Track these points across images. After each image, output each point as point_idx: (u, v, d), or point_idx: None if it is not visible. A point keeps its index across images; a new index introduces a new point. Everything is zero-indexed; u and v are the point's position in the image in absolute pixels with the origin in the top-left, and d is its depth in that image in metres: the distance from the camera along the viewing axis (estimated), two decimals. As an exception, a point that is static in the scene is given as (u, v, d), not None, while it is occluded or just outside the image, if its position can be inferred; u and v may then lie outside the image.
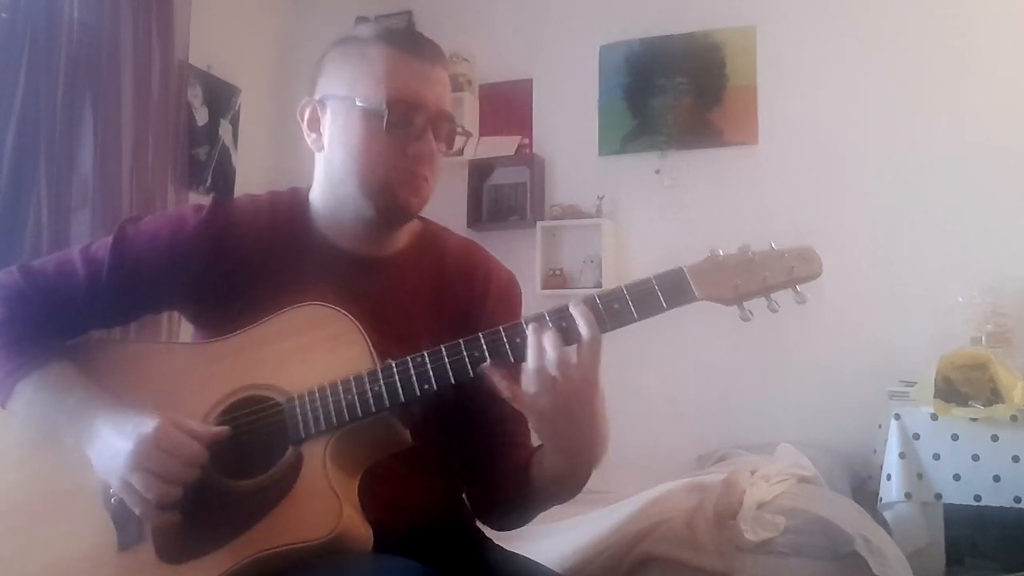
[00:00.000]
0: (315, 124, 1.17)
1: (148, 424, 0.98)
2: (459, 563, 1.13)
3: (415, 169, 1.12)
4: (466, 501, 1.24)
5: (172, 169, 3.13)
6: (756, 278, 0.99)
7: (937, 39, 3.16)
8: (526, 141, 3.71)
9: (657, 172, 3.48)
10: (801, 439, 2.74)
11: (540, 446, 1.11)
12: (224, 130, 3.53)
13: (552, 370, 0.94)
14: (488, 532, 1.26)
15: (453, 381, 0.98)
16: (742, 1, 3.44)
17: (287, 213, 1.19)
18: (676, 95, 3.49)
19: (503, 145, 3.72)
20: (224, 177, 3.53)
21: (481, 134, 3.78)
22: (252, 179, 3.54)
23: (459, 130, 1.16)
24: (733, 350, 3.26)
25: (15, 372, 1.07)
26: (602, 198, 3.50)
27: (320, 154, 1.17)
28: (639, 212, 3.50)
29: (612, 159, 3.58)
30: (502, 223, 3.64)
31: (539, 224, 3.54)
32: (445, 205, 3.75)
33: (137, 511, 0.99)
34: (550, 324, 0.96)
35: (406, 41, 1.13)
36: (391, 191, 1.12)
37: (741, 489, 1.81)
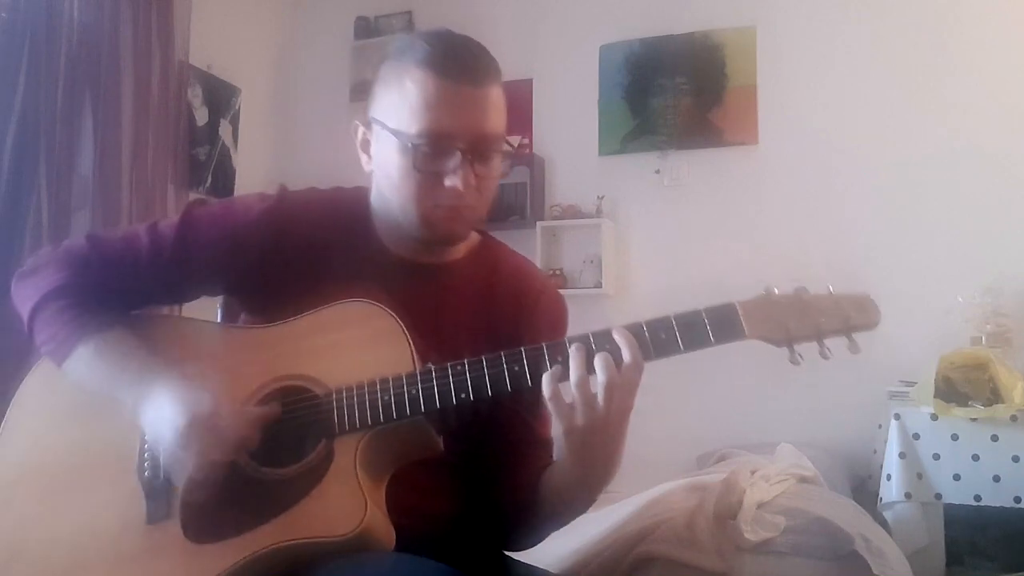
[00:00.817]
0: (366, 146, 1.16)
1: (205, 403, 1.00)
2: (481, 573, 1.12)
3: (452, 203, 1.09)
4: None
5: (172, 169, 3.13)
6: (810, 322, 0.99)
7: (937, 39, 3.16)
8: (526, 141, 3.71)
9: (657, 172, 3.48)
10: (801, 439, 2.74)
11: (555, 463, 1.11)
12: (224, 130, 3.53)
13: (596, 387, 0.95)
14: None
15: (490, 394, 0.98)
16: (742, 1, 3.44)
17: (348, 212, 1.19)
18: (676, 95, 3.49)
19: (503, 145, 3.71)
20: (224, 177, 3.53)
21: (481, 134, 3.78)
22: (252, 179, 3.55)
23: (507, 148, 1.12)
24: (733, 350, 3.25)
25: (77, 332, 1.09)
26: (602, 198, 3.50)
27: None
28: (639, 212, 3.50)
29: (612, 159, 3.58)
30: (502, 223, 3.63)
31: (539, 224, 3.54)
32: (445, 205, 3.76)
33: (177, 484, 1.00)
34: (594, 347, 0.97)
35: (450, 64, 1.07)
36: (431, 223, 1.11)
37: (741, 489, 1.81)
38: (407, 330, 1.03)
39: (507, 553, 1.23)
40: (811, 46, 3.33)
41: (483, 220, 1.18)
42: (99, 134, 2.82)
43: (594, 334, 0.98)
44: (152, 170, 3.01)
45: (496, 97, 1.10)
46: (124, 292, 1.15)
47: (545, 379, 0.97)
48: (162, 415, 1.02)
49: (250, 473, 1.01)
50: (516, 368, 0.98)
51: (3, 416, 1.14)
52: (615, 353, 0.96)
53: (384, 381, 1.00)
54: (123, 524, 1.03)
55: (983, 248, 3.01)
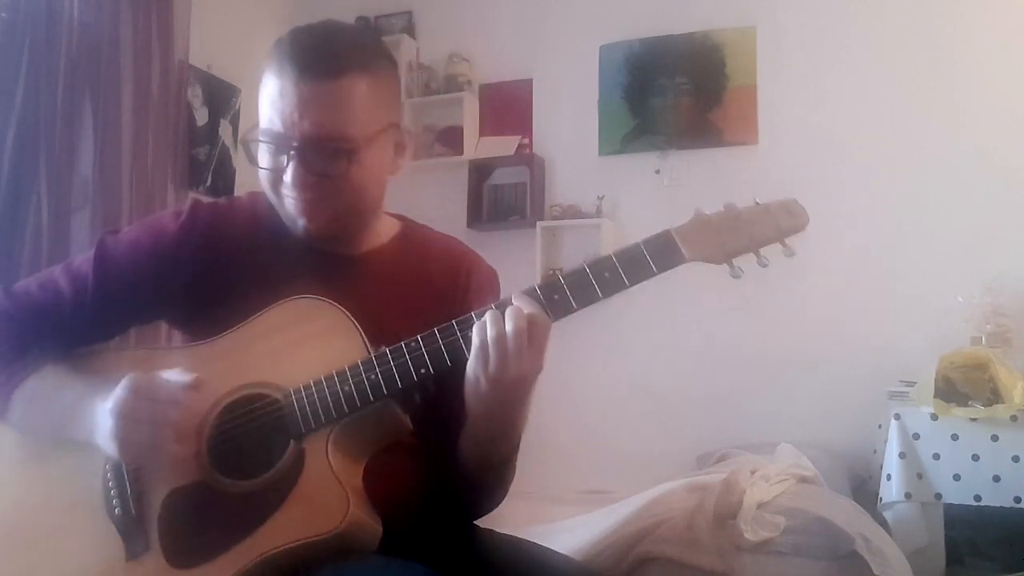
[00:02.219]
0: None
1: (131, 379, 0.99)
2: (460, 556, 1.13)
3: (295, 195, 1.10)
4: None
5: (172, 169, 3.13)
6: (743, 235, 0.99)
7: (937, 39, 3.16)
8: (526, 141, 3.71)
9: (657, 172, 3.48)
10: (801, 439, 2.74)
11: (468, 420, 1.10)
12: (224, 130, 3.53)
13: (506, 342, 0.95)
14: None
15: (449, 363, 0.99)
16: (742, 1, 3.44)
17: (266, 214, 1.18)
18: (676, 95, 3.49)
19: (503, 145, 3.72)
20: (224, 177, 3.53)
21: (481, 134, 3.78)
22: (252, 179, 3.50)
23: (345, 146, 1.07)
24: (733, 350, 3.26)
25: (8, 383, 1.08)
26: (602, 198, 3.50)
27: None
28: (639, 212, 3.50)
29: (612, 159, 3.58)
30: (502, 223, 3.64)
31: (539, 224, 3.54)
32: (445, 205, 3.78)
33: (140, 461, 1.00)
34: (541, 297, 0.99)
35: (294, 60, 1.06)
36: (291, 219, 1.12)
37: (741, 489, 1.81)
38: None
39: (507, 534, 1.23)
40: (811, 46, 3.33)
41: (368, 211, 1.17)
42: (99, 134, 2.81)
43: (539, 286, 1.00)
44: (152, 170, 3.00)
45: (347, 90, 1.06)
46: (52, 340, 1.13)
47: (476, 328, 0.97)
48: (106, 425, 1.00)
49: (224, 489, 1.00)
50: (470, 334, 0.98)
51: None
52: (561, 301, 0.98)
53: (342, 372, 1.00)
54: (104, 567, 1.01)
55: (983, 248, 3.01)
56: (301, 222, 1.11)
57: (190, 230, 1.16)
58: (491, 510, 1.22)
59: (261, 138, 1.08)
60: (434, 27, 3.91)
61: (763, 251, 1.00)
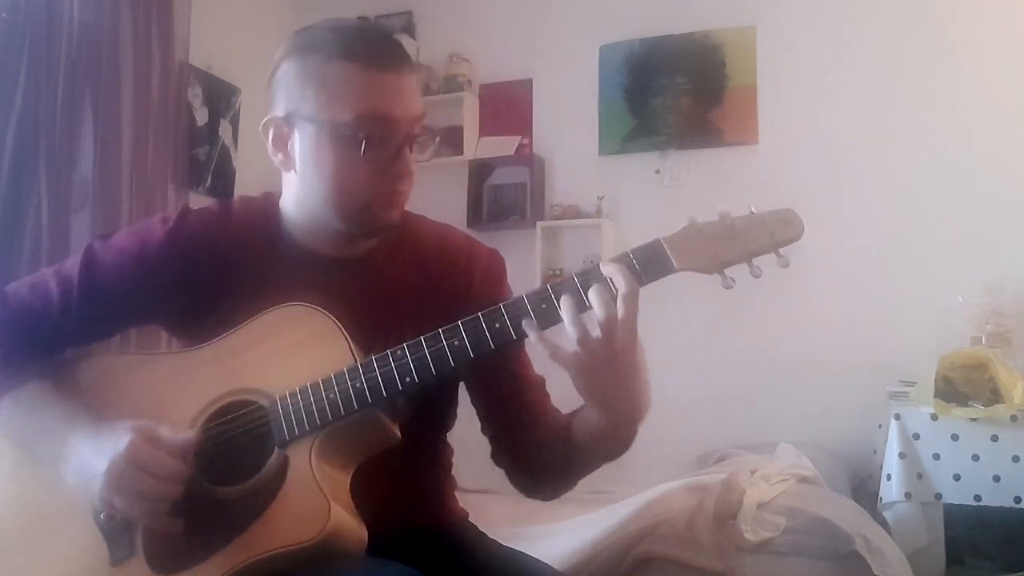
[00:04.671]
0: (281, 143, 1.12)
1: (122, 442, 0.96)
2: (450, 561, 1.13)
3: (394, 187, 1.09)
4: (510, 480, 1.21)
5: (172, 169, 3.13)
6: (737, 245, 0.97)
7: (937, 39, 3.16)
8: (526, 141, 3.71)
9: (657, 172, 3.48)
10: (801, 439, 2.74)
11: (581, 407, 1.07)
12: (224, 130, 3.53)
13: (595, 329, 0.92)
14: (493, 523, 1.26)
15: (434, 372, 0.97)
16: (742, 1, 3.44)
17: (260, 218, 1.17)
18: (676, 95, 3.49)
19: (503, 145, 3.72)
20: (224, 177, 3.53)
21: (481, 134, 3.78)
22: (252, 179, 3.54)
23: (429, 134, 1.13)
24: (733, 350, 3.26)
25: None
26: (602, 198, 3.50)
27: (289, 173, 1.14)
28: (639, 212, 3.50)
29: (612, 159, 3.58)
30: (502, 223, 3.64)
31: (539, 224, 3.54)
32: (445, 205, 3.78)
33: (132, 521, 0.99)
34: (579, 286, 0.94)
35: (367, 52, 1.06)
36: (371, 212, 1.10)
37: (741, 489, 1.81)
38: (346, 326, 1.01)
39: (498, 542, 1.23)
40: (811, 46, 3.33)
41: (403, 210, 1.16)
42: (99, 134, 2.81)
43: (577, 274, 0.96)
44: (152, 170, 3.00)
45: (414, 83, 1.11)
46: (40, 343, 1.13)
47: (532, 335, 0.94)
48: (84, 464, 0.99)
49: (207, 495, 1.00)
50: (456, 342, 0.96)
51: None
52: (605, 289, 0.93)
53: (327, 380, 0.99)
54: (88, 572, 1.01)
55: (983, 248, 3.01)
56: (385, 215, 1.11)
57: (178, 235, 1.14)
58: (567, 491, 1.19)
59: (363, 126, 1.04)
60: (434, 27, 3.91)
61: (756, 261, 0.97)
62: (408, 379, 0.97)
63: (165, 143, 3.07)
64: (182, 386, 1.06)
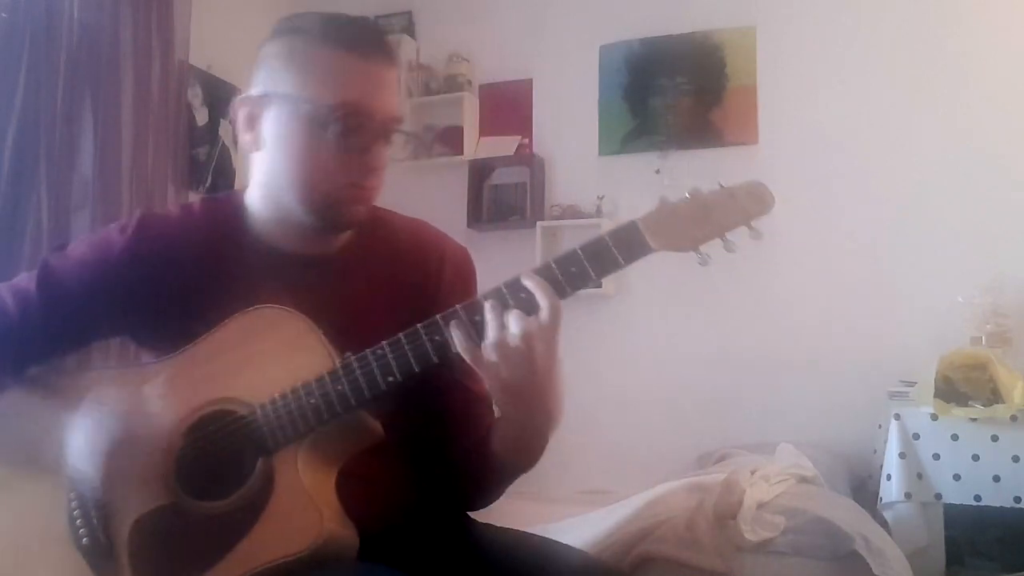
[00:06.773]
0: (252, 122, 1.09)
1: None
2: (441, 558, 1.11)
3: (363, 182, 1.07)
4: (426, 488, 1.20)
5: (172, 169, 3.13)
6: (711, 221, 0.98)
7: (937, 39, 3.16)
8: (526, 141, 3.71)
9: (657, 172, 3.47)
10: (801, 439, 2.74)
11: (499, 418, 1.09)
12: (224, 130, 3.53)
13: (514, 342, 0.93)
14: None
15: (416, 369, 0.96)
16: (742, 1, 3.43)
17: (224, 219, 1.14)
18: (676, 95, 3.49)
19: (503, 145, 3.72)
20: (224, 177, 3.53)
21: (481, 134, 3.78)
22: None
23: (406, 133, 1.10)
24: (733, 350, 3.25)
25: None
26: (602, 198, 3.49)
27: (257, 155, 1.11)
28: (639, 212, 3.46)
29: (612, 159, 3.57)
30: (502, 223, 3.64)
31: (539, 224, 3.53)
32: (445, 205, 3.78)
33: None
34: (509, 299, 0.96)
35: (356, 41, 1.05)
36: (336, 205, 1.07)
37: (741, 489, 1.81)
38: (318, 327, 0.99)
39: (493, 525, 1.22)
40: (811, 46, 3.33)
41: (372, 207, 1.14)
42: (99, 134, 2.81)
43: (506, 284, 0.97)
44: (152, 170, 3.00)
45: (396, 79, 1.09)
46: (5, 356, 1.10)
47: (460, 345, 0.95)
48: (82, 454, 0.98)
49: (193, 511, 0.97)
50: (437, 338, 0.96)
51: None
52: (531, 299, 0.95)
53: (307, 385, 0.97)
54: None
55: (983, 248, 3.01)
56: (351, 209, 1.08)
57: (137, 243, 1.11)
58: (493, 502, 1.20)
59: (341, 112, 1.02)
60: (434, 27, 3.91)
61: (729, 235, 0.99)
62: (391, 378, 0.96)
63: (165, 143, 3.07)
64: (157, 398, 1.02)
